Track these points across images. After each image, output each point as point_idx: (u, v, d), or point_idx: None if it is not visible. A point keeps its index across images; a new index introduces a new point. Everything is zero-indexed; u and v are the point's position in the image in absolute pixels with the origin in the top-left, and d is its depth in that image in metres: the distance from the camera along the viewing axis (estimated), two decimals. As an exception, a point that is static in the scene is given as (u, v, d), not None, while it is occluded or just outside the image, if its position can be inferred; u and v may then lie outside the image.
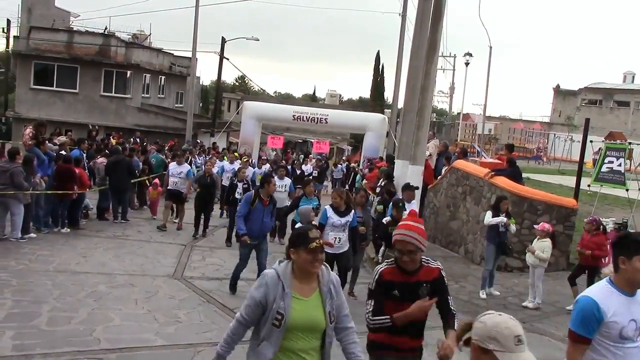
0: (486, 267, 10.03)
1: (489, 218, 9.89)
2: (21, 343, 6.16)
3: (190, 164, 18.19)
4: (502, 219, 9.76)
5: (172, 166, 14.00)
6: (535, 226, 10.01)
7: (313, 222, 8.39)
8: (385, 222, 9.16)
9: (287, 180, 13.67)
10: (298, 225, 8.38)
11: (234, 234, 10.28)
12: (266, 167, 18.94)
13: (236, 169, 15.53)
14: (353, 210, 8.66)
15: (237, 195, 12.69)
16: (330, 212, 8.42)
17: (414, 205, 9.87)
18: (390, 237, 8.05)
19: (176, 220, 14.24)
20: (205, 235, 13.01)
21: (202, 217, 13.18)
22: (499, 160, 16.27)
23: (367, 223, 9.41)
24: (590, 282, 9.41)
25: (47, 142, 13.15)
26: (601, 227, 9.76)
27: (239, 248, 8.77)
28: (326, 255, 8.07)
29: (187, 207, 13.99)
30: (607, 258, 9.47)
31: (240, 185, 12.92)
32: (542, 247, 9.30)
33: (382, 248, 9.32)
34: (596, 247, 9.46)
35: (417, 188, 10.79)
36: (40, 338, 6.36)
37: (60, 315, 7.14)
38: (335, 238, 8.31)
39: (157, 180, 15.72)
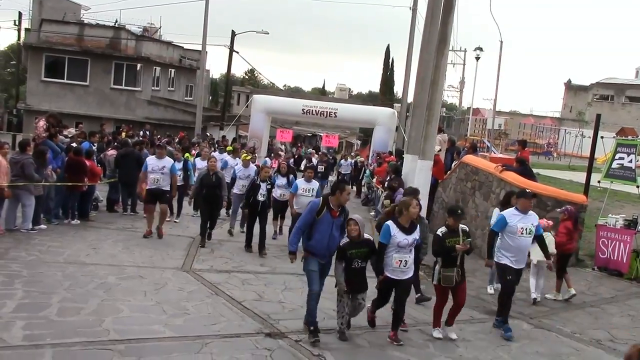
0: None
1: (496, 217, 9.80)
2: (31, 333, 6.22)
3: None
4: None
5: (152, 160, 11.77)
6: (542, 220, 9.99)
7: (367, 236, 7.01)
8: (441, 234, 7.34)
9: (315, 184, 11.87)
10: (344, 240, 7.02)
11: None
12: (266, 161, 17.92)
13: (236, 165, 14.14)
14: (417, 225, 7.26)
15: (260, 198, 11.22)
16: (394, 230, 6.93)
17: (533, 218, 7.95)
18: (448, 252, 7.23)
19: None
20: (204, 246, 11.33)
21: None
22: (508, 156, 16.20)
23: (424, 237, 7.97)
24: (561, 268, 9.74)
25: (59, 134, 13.22)
26: (574, 217, 10.09)
27: (304, 269, 7.14)
28: (386, 281, 7.08)
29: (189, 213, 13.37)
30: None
31: (263, 185, 11.28)
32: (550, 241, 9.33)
33: (438, 266, 7.41)
34: (564, 232, 9.85)
35: (534, 196, 8.69)
36: (50, 328, 6.42)
37: (70, 306, 7.20)
38: (401, 261, 6.93)
39: None
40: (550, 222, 9.81)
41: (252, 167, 13.01)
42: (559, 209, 10.34)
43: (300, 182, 11.75)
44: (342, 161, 26.68)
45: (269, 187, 11.43)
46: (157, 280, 8.71)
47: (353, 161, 26.43)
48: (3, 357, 5.65)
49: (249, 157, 13.57)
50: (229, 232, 12.88)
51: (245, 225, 11.83)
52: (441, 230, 7.39)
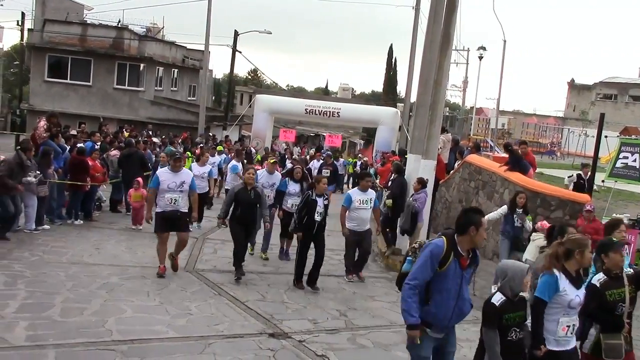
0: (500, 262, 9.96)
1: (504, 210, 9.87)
2: (34, 334, 6.22)
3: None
4: (504, 208, 9.67)
5: (165, 175, 8.79)
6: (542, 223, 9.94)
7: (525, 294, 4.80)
8: (598, 284, 5.11)
9: (371, 193, 9.68)
10: (498, 297, 4.65)
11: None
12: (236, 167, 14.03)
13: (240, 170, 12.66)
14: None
15: (316, 217, 8.91)
16: (564, 282, 4.76)
17: None
18: (611, 310, 4.98)
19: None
20: (240, 279, 9.06)
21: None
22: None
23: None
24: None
25: (60, 134, 13.21)
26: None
27: (409, 348, 4.85)
28: (548, 356, 4.67)
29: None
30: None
31: (320, 201, 8.94)
32: (539, 244, 9.32)
33: (594, 331, 5.21)
34: (594, 232, 9.79)
35: None
36: (53, 329, 6.41)
37: (73, 306, 7.19)
38: (569, 327, 4.81)
39: (139, 179, 12.82)
40: (546, 224, 9.72)
41: (278, 175, 11.09)
42: (587, 208, 10.27)
43: (354, 192, 9.80)
44: (335, 162, 26.17)
45: (326, 202, 9.08)
46: (160, 281, 8.71)
47: (344, 161, 26.28)
48: (6, 358, 5.65)
49: (273, 162, 11.39)
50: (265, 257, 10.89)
51: (297, 253, 9.27)
52: (598, 279, 5.11)
